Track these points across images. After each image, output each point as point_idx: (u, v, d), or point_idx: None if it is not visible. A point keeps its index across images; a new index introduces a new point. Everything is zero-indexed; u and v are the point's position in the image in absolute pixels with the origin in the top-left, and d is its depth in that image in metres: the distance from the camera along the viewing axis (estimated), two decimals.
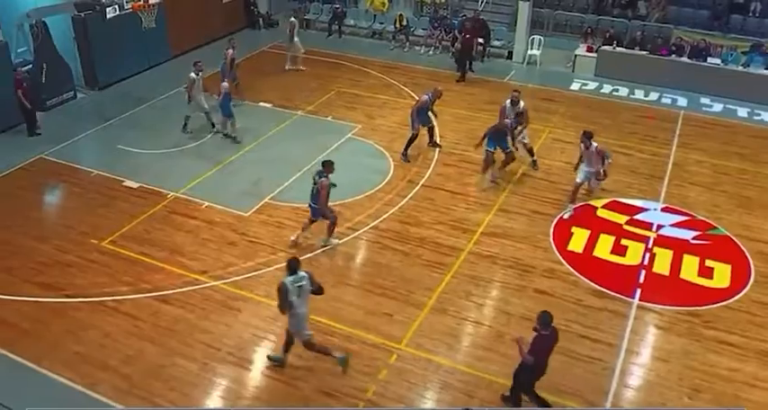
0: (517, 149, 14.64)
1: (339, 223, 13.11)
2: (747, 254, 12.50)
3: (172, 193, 14.18)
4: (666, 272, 12.02)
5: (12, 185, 14.63)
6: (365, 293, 11.50)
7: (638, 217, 13.52)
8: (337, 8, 23.94)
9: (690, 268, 12.10)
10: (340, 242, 12.64)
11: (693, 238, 12.89)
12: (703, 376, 9.91)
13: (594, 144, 12.98)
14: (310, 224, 12.49)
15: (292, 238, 12.58)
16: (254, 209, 13.67)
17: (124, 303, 11.12)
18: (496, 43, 22.28)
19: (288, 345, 9.79)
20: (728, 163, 15.73)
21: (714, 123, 17.92)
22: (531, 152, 15.19)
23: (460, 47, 20.55)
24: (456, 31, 21.13)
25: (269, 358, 10.10)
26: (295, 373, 9.86)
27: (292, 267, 9.15)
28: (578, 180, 13.42)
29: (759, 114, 18.50)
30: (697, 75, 19.54)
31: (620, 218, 13.44)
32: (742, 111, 18.63)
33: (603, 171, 13.35)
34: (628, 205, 13.90)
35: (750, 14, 21.02)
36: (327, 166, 11.97)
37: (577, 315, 11.01)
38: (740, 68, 19.49)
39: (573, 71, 21.07)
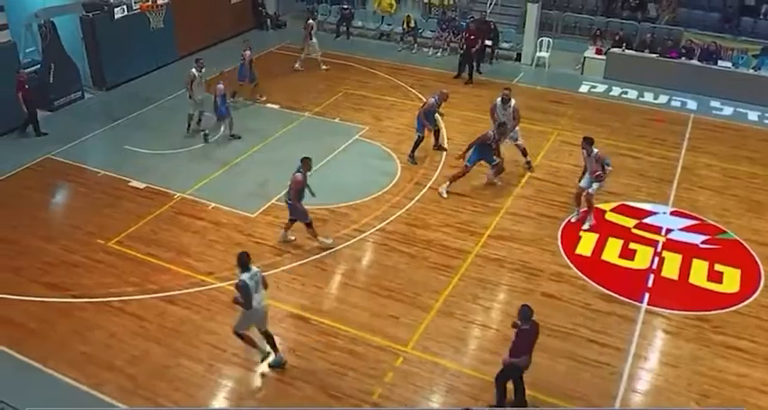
0: (501, 160, 14.33)
1: (345, 225, 13.14)
2: (757, 258, 12.38)
3: (178, 194, 14.17)
4: (675, 277, 11.93)
5: (19, 185, 14.65)
6: (371, 295, 11.46)
7: (647, 220, 13.43)
8: (345, 9, 23.92)
9: (699, 272, 12.00)
10: (332, 242, 12.59)
11: (703, 242, 12.79)
12: (712, 381, 9.82)
13: (595, 150, 12.74)
14: (291, 223, 12.49)
15: (282, 239, 12.62)
16: (260, 211, 13.65)
17: (130, 303, 11.11)
18: (505, 45, 22.18)
19: (270, 339, 9.80)
20: (738, 167, 15.61)
21: (724, 127, 17.80)
22: (524, 152, 15.04)
23: (463, 48, 20.54)
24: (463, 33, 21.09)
25: (270, 366, 9.93)
26: (300, 375, 9.83)
27: (245, 263, 9.23)
28: (582, 184, 13.27)
29: None
30: (707, 78, 19.40)
31: (629, 222, 13.35)
32: (752, 115, 18.47)
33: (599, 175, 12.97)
34: (636, 208, 13.80)
35: (761, 17, 20.85)
36: (305, 162, 11.98)
37: (585, 319, 10.94)
38: (751, 71, 19.34)
39: (582, 73, 20.97)
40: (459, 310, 11.10)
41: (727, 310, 11.19)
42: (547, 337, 10.47)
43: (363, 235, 12.95)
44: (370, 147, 16.28)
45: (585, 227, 13.07)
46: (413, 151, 15.40)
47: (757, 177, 15.19)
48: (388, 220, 13.38)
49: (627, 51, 20.46)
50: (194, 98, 16.25)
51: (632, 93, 19.67)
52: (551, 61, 21.43)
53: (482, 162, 14.06)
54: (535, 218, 13.55)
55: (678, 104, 19.06)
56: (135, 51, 19.46)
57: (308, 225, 12.29)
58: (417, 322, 10.81)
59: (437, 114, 15.54)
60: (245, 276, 9.18)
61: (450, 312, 11.04)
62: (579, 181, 13.37)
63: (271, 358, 9.90)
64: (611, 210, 13.72)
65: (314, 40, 20.75)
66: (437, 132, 15.80)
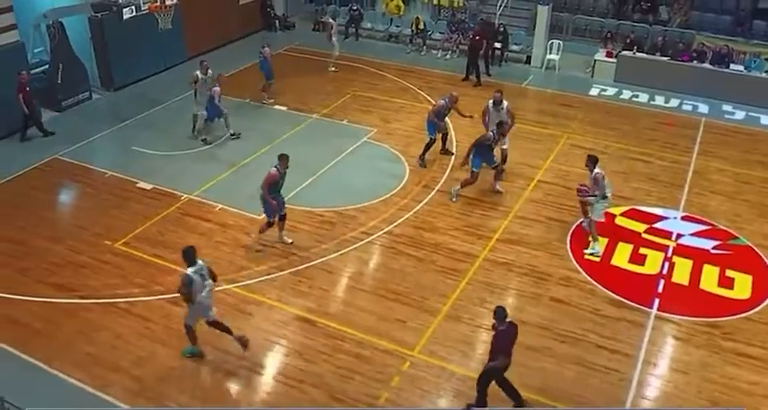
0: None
1: (353, 227, 13.09)
2: None
3: (185, 195, 14.14)
4: (686, 282, 11.82)
5: (26, 185, 14.65)
6: (378, 298, 11.39)
7: (658, 225, 13.31)
8: (354, 11, 23.87)
9: (710, 278, 11.88)
10: (290, 241, 12.57)
11: (714, 248, 12.67)
12: (722, 389, 9.71)
13: (597, 170, 12.18)
14: (282, 223, 12.49)
15: (279, 240, 12.60)
16: None
17: (136, 305, 11.08)
18: (515, 48, 22.09)
19: (219, 326, 9.88)
20: (750, 171, 15.46)
21: (736, 131, 17.65)
22: (504, 159, 14.66)
23: (468, 49, 20.57)
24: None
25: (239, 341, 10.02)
26: (306, 378, 9.79)
27: (191, 257, 9.33)
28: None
29: None
30: (719, 82, 19.27)
31: (639, 227, 13.24)
32: (765, 119, 18.29)
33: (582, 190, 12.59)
34: (647, 213, 13.69)
35: None
36: (282, 159, 11.97)
37: (594, 324, 10.85)
38: (763, 75, 19.19)
39: (592, 76, 20.84)
40: (467, 314, 11.01)
41: (738, 317, 11.06)
42: (555, 342, 10.47)
43: (371, 237, 12.89)
44: (378, 150, 16.22)
45: (588, 251, 12.50)
46: (423, 154, 15.31)
47: None
48: (395, 223, 13.31)
49: (638, 54, 20.32)
50: (197, 99, 16.20)
51: (643, 97, 19.54)
52: (561, 64, 21.32)
53: (484, 164, 13.94)
54: (544, 221, 13.45)
55: (689, 108, 18.92)
56: (143, 52, 19.45)
57: (268, 224, 12.33)
58: (424, 326, 10.74)
59: (446, 118, 15.40)
60: (190, 270, 9.29)
61: (457, 316, 10.95)
62: None
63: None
64: (622, 215, 13.61)
65: (333, 40, 20.80)
66: (444, 136, 15.68)
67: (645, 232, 13.10)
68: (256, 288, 11.56)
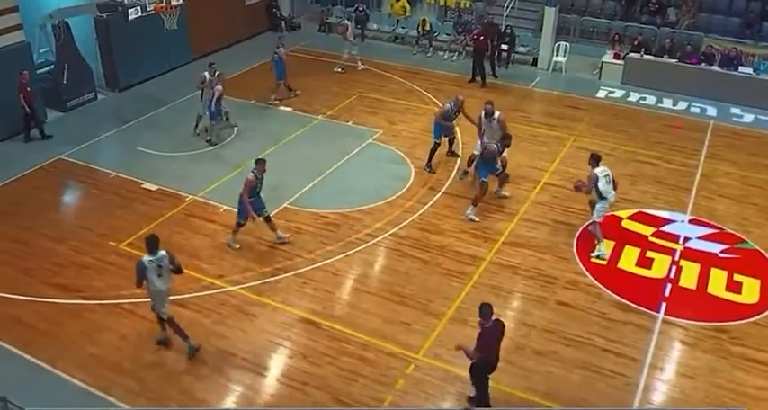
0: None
1: (358, 229, 13.04)
2: None
3: (190, 196, 14.12)
4: (693, 286, 11.73)
5: (31, 186, 14.65)
6: (383, 301, 11.34)
7: (665, 229, 13.22)
8: (360, 12, 23.81)
9: (717, 282, 11.79)
10: (238, 247, 12.50)
11: (722, 252, 12.57)
12: (730, 394, 9.62)
13: (596, 169, 12.16)
14: (270, 223, 12.50)
15: (276, 241, 12.60)
16: (272, 214, 13.49)
17: (140, 306, 11.00)
18: (521, 49, 22.01)
19: (162, 323, 10.05)
20: (759, 175, 15.34)
21: (744, 134, 17.53)
22: (504, 165, 14.13)
23: (472, 50, 20.55)
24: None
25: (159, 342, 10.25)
26: (310, 380, 9.75)
27: (151, 246, 9.47)
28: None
29: None
30: (727, 85, 19.15)
31: (646, 230, 13.15)
32: None
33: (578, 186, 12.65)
34: (654, 216, 13.60)
35: None
36: (258, 164, 12.01)
37: (600, 328, 10.77)
38: None
39: (599, 78, 20.74)
40: (472, 317, 10.77)
41: (746, 321, 10.97)
42: (561, 346, 10.41)
43: (376, 239, 12.84)
44: (383, 151, 16.16)
45: (594, 254, 12.40)
46: (429, 160, 15.16)
47: None
48: (400, 225, 13.26)
49: (645, 56, 20.22)
50: (204, 100, 16.18)
51: (651, 99, 19.44)
52: (568, 66, 21.24)
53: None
54: (550, 224, 13.38)
55: (697, 111, 18.81)
56: (148, 53, 19.46)
57: (238, 225, 12.35)
58: (429, 329, 10.68)
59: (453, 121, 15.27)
60: (145, 257, 9.47)
61: (462, 319, 10.87)
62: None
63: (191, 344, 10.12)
64: (629, 218, 13.52)
65: (351, 41, 20.90)
66: (452, 139, 15.56)
67: (652, 235, 13.00)
68: (260, 289, 11.53)
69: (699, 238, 12.94)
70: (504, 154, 14.11)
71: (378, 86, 19.99)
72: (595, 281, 11.79)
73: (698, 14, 21.39)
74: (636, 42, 20.60)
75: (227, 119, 16.56)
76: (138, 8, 17.51)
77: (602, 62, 20.80)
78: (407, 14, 23.94)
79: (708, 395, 9.61)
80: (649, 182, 14.90)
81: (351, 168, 15.38)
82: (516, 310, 11.28)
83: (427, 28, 22.81)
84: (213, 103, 15.86)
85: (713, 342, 10.56)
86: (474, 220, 13.37)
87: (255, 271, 11.96)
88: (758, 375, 9.93)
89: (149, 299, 9.86)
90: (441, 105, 15.87)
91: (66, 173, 15.27)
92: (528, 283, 11.80)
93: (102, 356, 10.10)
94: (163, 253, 9.55)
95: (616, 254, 12.47)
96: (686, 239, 12.90)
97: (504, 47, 21.36)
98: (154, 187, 14.48)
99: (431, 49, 22.80)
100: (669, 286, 11.72)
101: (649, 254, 12.46)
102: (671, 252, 12.53)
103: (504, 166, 14.27)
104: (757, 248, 12.69)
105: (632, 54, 20.39)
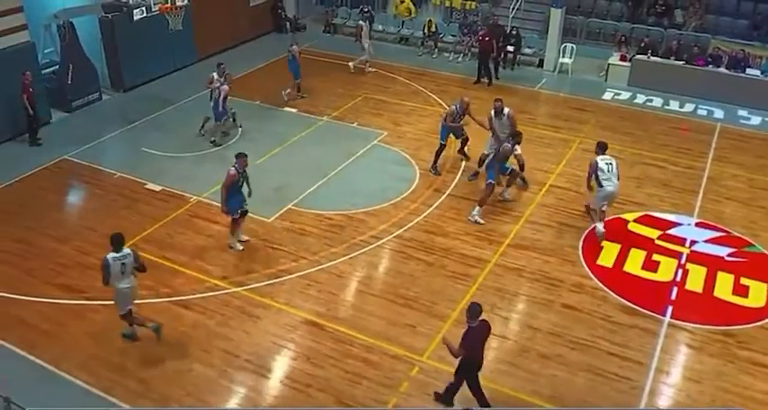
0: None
1: (363, 231, 13.00)
2: None
3: (194, 197, 14.09)
4: (699, 290, 11.65)
5: (35, 186, 14.64)
6: (388, 303, 11.29)
7: (671, 232, 13.14)
8: (365, 13, 23.76)
9: (724, 286, 11.71)
10: (241, 248, 12.47)
11: (728, 255, 12.49)
12: (736, 398, 9.54)
13: (595, 157, 12.51)
14: (240, 216, 12.45)
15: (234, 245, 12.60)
16: (276, 215, 13.53)
17: (143, 307, 10.98)
18: (527, 51, 21.94)
19: (138, 322, 10.25)
20: (766, 178, 15.24)
21: (752, 136, 17.43)
22: (521, 167, 14.41)
23: (477, 51, 20.55)
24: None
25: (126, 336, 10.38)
26: (313, 383, 9.71)
27: (116, 244, 9.59)
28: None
29: None
30: (735, 87, 19.06)
31: (653, 233, 13.07)
32: None
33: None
34: (660, 219, 13.51)
35: None
36: (239, 158, 11.95)
37: (606, 331, 10.70)
38: None
39: (606, 80, 20.68)
40: None
41: (753, 325, 10.89)
42: (566, 349, 10.35)
43: (380, 241, 12.79)
44: (388, 153, 16.11)
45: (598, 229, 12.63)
46: (435, 162, 15.09)
47: None
48: (405, 227, 13.20)
49: (652, 58, 20.14)
50: (212, 100, 16.16)
51: (657, 101, 19.35)
52: (574, 67, 21.17)
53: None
54: (556, 227, 13.31)
55: (704, 113, 18.72)
56: (153, 53, 19.45)
57: (234, 221, 12.33)
58: (434, 331, 10.61)
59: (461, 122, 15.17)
60: (110, 255, 9.57)
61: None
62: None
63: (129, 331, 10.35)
64: (635, 221, 13.45)
65: (364, 42, 20.87)
66: (465, 140, 15.30)
67: (658, 238, 12.92)
68: (264, 291, 11.48)
69: (705, 241, 12.86)
70: (519, 151, 14.04)
71: (383, 88, 19.95)
72: (601, 284, 11.72)
73: (705, 16, 21.33)
74: (642, 44, 20.54)
75: (233, 119, 16.56)
76: (143, 8, 17.46)
77: (609, 64, 20.71)
78: (412, 15, 23.91)
79: (714, 399, 9.52)
80: (656, 184, 14.82)
81: (356, 170, 15.33)
82: (521, 313, 11.22)
83: (433, 29, 22.77)
84: (220, 103, 15.83)
85: (720, 346, 10.48)
86: (479, 222, 13.31)
87: (259, 272, 11.92)
88: (765, 379, 9.85)
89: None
90: (446, 107, 15.80)
91: (70, 173, 15.25)
92: (533, 286, 11.73)
93: (105, 357, 10.08)
94: (128, 251, 9.70)
95: (622, 256, 12.40)
96: (693, 242, 12.82)
97: (510, 48, 21.30)
98: (158, 188, 14.45)
99: (436, 50, 22.75)
100: (675, 289, 11.64)
101: (655, 257, 12.38)
102: (677, 255, 12.46)
103: (522, 167, 14.23)
104: (764, 252, 12.60)
105: (639, 56, 20.32)
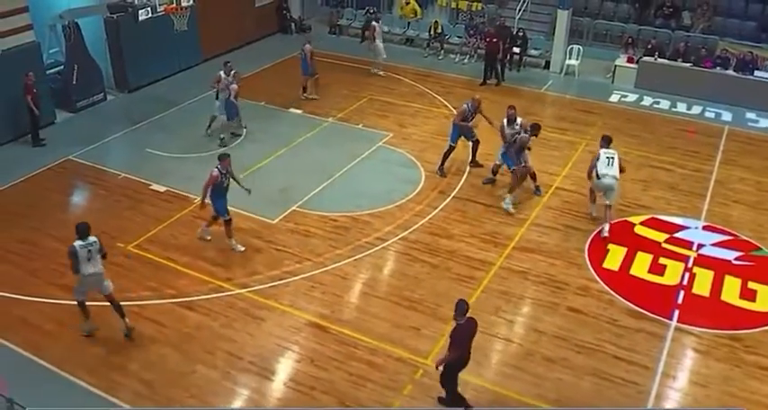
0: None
1: (367, 233, 12.95)
2: None
3: (199, 198, 13.99)
4: (706, 294, 11.56)
5: (39, 186, 14.62)
6: (392, 305, 11.23)
7: (678, 235, 13.05)
8: (371, 14, 23.72)
9: (731, 290, 11.61)
10: (243, 249, 12.43)
11: (736, 259, 12.39)
12: (743, 403, 9.45)
13: (599, 150, 12.93)
14: (213, 220, 12.48)
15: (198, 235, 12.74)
16: (281, 217, 13.49)
17: (147, 308, 11.01)
18: (534, 52, 21.88)
19: (113, 304, 10.26)
20: None
21: (760, 139, 17.31)
22: (533, 176, 14.33)
23: (484, 52, 20.52)
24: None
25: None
26: (317, 385, 9.67)
27: (82, 232, 9.80)
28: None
29: None
30: (743, 89, 18.95)
31: (659, 236, 12.99)
32: None
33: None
34: (667, 222, 13.43)
35: None
36: (222, 160, 11.98)
37: (612, 335, 10.63)
38: None
39: (612, 82, 20.58)
40: (482, 323, 10.60)
41: (760, 330, 10.81)
42: (572, 353, 10.29)
43: (385, 243, 12.74)
44: (393, 154, 16.06)
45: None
46: (442, 164, 15.01)
47: None
48: (410, 229, 13.14)
49: (659, 60, 20.03)
50: (219, 100, 16.11)
51: (664, 104, 19.24)
52: (581, 69, 21.07)
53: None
54: (561, 229, 13.23)
55: (712, 116, 18.61)
56: (158, 53, 19.43)
57: (227, 223, 12.31)
58: (438, 334, 10.54)
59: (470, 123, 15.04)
60: (77, 243, 9.74)
61: None
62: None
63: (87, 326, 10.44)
64: (641, 224, 13.37)
65: (377, 42, 20.76)
66: (476, 144, 15.14)
67: (665, 242, 12.84)
68: (269, 293, 11.44)
69: (713, 245, 12.77)
70: (529, 160, 14.00)
71: (388, 89, 19.90)
72: (607, 288, 11.65)
73: (713, 18, 21.22)
74: (650, 46, 20.44)
75: (239, 120, 16.52)
76: (149, 9, 17.51)
77: (616, 66, 20.62)
78: (418, 17, 23.85)
79: (721, 404, 9.44)
80: (663, 187, 14.73)
81: (361, 171, 15.28)
82: (526, 316, 11.16)
83: (438, 30, 22.68)
84: (232, 101, 15.78)
85: (726, 350, 10.40)
86: (510, 212, 13.52)
87: (263, 274, 11.88)
88: None
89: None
90: (452, 108, 15.74)
91: (74, 174, 15.24)
92: (538, 289, 11.66)
93: (109, 358, 10.06)
94: (93, 238, 9.87)
95: (628, 260, 12.32)
96: (700, 246, 12.74)
97: (517, 50, 21.21)
98: (162, 188, 14.43)
99: (442, 51, 22.68)
100: (682, 293, 11.56)
101: (662, 260, 12.30)
102: (684, 258, 12.37)
103: (533, 176, 14.24)
104: None
105: (646, 58, 20.21)
